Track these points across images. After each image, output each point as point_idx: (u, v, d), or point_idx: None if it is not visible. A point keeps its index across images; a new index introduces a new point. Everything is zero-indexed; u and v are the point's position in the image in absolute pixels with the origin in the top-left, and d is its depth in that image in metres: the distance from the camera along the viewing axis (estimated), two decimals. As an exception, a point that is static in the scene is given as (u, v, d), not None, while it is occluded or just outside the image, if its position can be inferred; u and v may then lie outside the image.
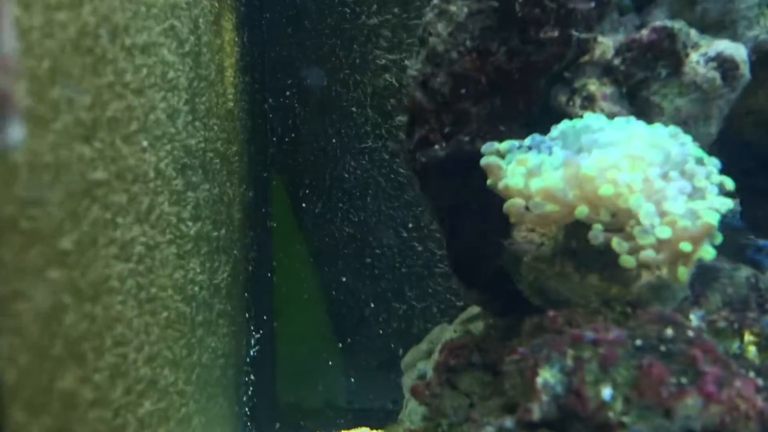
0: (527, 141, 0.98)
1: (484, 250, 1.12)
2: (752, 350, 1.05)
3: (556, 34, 1.03)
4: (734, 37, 1.05)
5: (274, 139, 2.33)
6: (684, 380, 0.77)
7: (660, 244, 0.84)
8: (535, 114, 1.10)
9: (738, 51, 1.01)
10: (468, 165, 1.07)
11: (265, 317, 2.32)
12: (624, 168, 0.85)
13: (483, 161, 0.94)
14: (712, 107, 1.02)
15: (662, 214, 0.85)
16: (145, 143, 0.87)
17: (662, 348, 0.79)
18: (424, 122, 1.11)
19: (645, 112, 1.03)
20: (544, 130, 1.05)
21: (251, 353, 2.23)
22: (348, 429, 2.44)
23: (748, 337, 1.06)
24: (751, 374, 0.92)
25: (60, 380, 0.63)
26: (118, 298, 0.78)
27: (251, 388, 2.21)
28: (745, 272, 1.18)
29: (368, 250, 2.37)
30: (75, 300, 0.67)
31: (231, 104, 1.71)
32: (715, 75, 1.00)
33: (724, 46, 1.01)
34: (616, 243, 0.86)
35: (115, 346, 0.77)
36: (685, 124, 1.01)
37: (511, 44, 1.05)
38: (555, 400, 0.78)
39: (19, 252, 0.56)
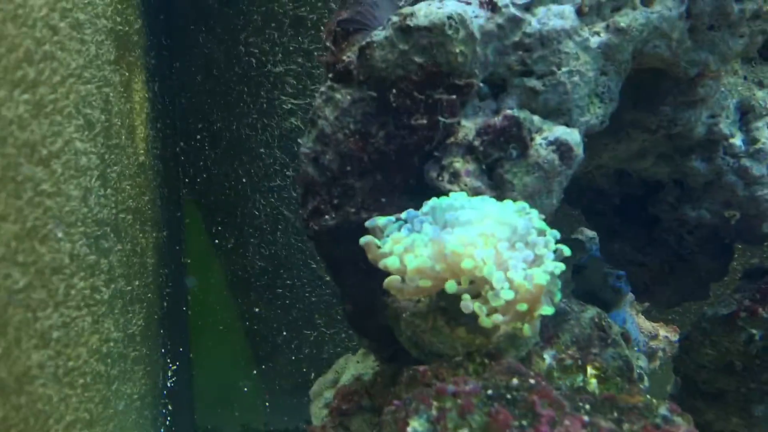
0: (404, 215, 1.15)
1: (372, 305, 1.28)
2: (593, 382, 1.25)
3: (424, 121, 1.21)
4: (570, 122, 1.25)
5: (187, 180, 2.44)
6: (524, 422, 0.95)
7: (507, 305, 1.03)
8: (412, 186, 1.27)
9: (572, 136, 1.21)
10: (355, 232, 1.23)
11: (181, 349, 2.43)
12: (479, 245, 1.03)
13: (362, 240, 1.10)
14: (553, 183, 1.21)
15: (508, 280, 1.03)
16: (60, 235, 0.98)
17: (508, 395, 0.97)
18: (316, 194, 1.27)
19: (500, 186, 1.22)
20: (420, 200, 1.23)
21: (168, 385, 2.33)
22: (265, 451, 2.58)
23: (590, 370, 1.26)
24: (587, 407, 1.11)
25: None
26: (39, 382, 0.89)
27: (169, 419, 2.31)
28: (590, 313, 1.39)
29: (279, 282, 2.52)
30: (1, 397, 0.78)
31: (142, 158, 1.82)
32: (554, 157, 1.20)
33: (561, 131, 1.21)
34: (477, 307, 1.03)
35: (36, 424, 0.88)
36: (531, 197, 1.20)
37: (388, 129, 1.22)
38: (422, 444, 0.94)
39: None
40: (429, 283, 1.05)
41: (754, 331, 1.57)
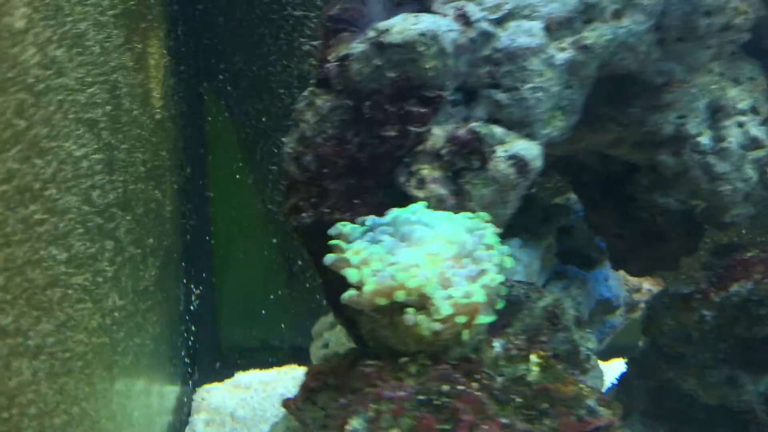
0: (368, 222, 1.26)
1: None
2: (536, 371, 1.38)
3: (394, 133, 1.30)
4: (532, 134, 1.32)
5: (209, 118, 2.57)
6: (447, 427, 1.09)
7: (448, 317, 1.16)
8: (385, 186, 1.38)
9: (530, 151, 1.29)
10: (329, 229, 1.36)
11: (204, 275, 2.64)
12: (424, 265, 1.15)
13: (329, 257, 1.23)
14: (509, 194, 1.30)
15: (449, 296, 1.15)
16: (54, 252, 1.11)
17: (436, 401, 1.12)
18: (296, 192, 1.38)
19: (462, 195, 1.31)
20: (392, 200, 1.34)
21: (191, 308, 2.56)
22: (279, 365, 2.83)
23: (533, 359, 1.39)
24: (519, 400, 1.25)
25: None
26: (31, 389, 1.04)
27: (192, 338, 2.56)
28: (545, 301, 1.50)
29: (297, 215, 2.66)
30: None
31: (159, 115, 1.95)
32: (511, 171, 1.28)
33: (519, 146, 1.29)
34: (421, 320, 1.16)
35: (32, 423, 1.04)
36: (488, 208, 1.30)
37: (361, 137, 1.32)
38: (360, 441, 1.10)
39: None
40: (385, 301, 1.18)
41: (705, 313, 1.68)
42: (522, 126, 1.32)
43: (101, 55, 1.36)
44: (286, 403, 1.36)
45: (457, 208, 1.31)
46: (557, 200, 2.01)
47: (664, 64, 1.39)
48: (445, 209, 1.31)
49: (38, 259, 1.04)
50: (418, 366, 1.21)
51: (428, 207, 1.32)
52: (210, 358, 2.71)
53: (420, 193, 1.33)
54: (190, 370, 2.50)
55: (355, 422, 1.11)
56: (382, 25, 1.28)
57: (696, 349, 1.78)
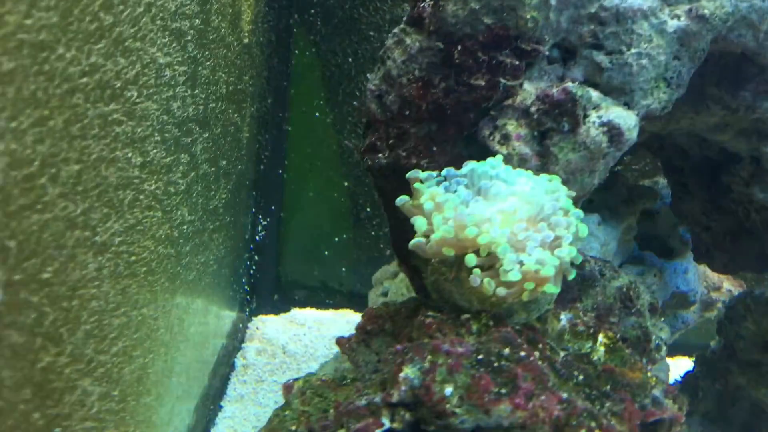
0: (444, 172, 1.22)
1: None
2: (601, 351, 1.32)
3: (482, 82, 1.24)
4: (630, 103, 1.24)
5: (296, 52, 2.55)
6: (503, 390, 1.06)
7: (514, 283, 1.11)
8: (466, 137, 1.32)
9: (626, 120, 1.21)
10: (404, 172, 1.32)
11: (272, 207, 2.65)
12: (496, 222, 1.11)
13: (401, 199, 1.19)
14: (598, 163, 1.23)
15: (520, 261, 1.11)
16: (129, 155, 1.11)
17: (496, 363, 1.08)
18: (375, 130, 1.35)
19: (546, 157, 1.25)
20: (471, 152, 1.30)
21: (257, 238, 2.58)
22: (336, 308, 2.84)
23: (601, 338, 1.33)
24: (581, 377, 1.20)
25: (41, 361, 0.91)
26: (94, 284, 1.05)
27: (254, 267, 2.58)
28: (620, 282, 1.43)
29: (371, 160, 2.63)
30: (53, 305, 0.94)
31: (246, 39, 1.93)
32: (603, 139, 1.21)
33: (615, 114, 1.21)
34: (487, 282, 1.12)
35: (90, 318, 1.04)
36: (573, 174, 1.24)
37: (448, 82, 1.27)
38: (411, 389, 1.08)
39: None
40: (452, 252, 1.14)
41: (791, 321, 1.58)
42: (620, 93, 1.24)
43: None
44: (340, 341, 1.34)
45: (540, 170, 1.26)
46: (644, 182, 1.92)
47: (785, 44, 1.28)
48: (526, 169, 1.26)
49: (113, 159, 1.04)
50: (480, 325, 1.17)
51: (509, 165, 1.27)
52: (269, 289, 2.74)
53: (503, 149, 1.27)
54: (248, 297, 2.53)
55: (409, 370, 1.08)
56: (486, -33, 1.21)
57: (775, 359, 1.69)
